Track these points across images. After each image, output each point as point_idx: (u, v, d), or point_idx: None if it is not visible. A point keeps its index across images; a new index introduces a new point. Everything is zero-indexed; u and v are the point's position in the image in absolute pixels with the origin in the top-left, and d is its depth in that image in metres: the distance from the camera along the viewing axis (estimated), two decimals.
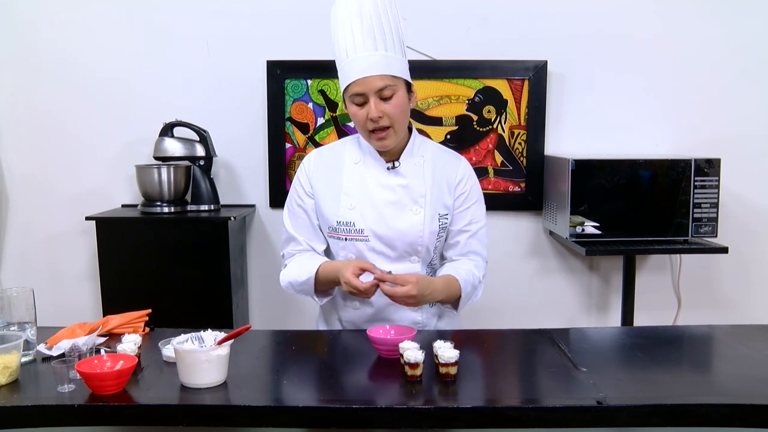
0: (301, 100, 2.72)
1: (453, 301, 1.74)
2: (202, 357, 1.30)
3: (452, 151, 1.85)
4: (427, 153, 1.77)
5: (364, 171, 1.74)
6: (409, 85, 1.68)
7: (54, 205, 2.80)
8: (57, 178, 2.79)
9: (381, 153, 1.73)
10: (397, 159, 1.73)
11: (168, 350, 1.45)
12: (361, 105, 1.63)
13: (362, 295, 1.60)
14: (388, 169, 1.72)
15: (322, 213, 1.75)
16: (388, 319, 1.74)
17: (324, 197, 1.75)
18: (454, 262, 1.79)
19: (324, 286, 1.73)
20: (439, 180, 1.75)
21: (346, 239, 1.72)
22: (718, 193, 2.43)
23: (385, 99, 1.62)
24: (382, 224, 1.70)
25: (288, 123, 2.73)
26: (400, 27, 1.67)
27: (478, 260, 1.80)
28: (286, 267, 1.80)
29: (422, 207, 1.71)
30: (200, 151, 2.62)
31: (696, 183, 2.42)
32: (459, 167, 1.79)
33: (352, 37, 1.62)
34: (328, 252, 1.82)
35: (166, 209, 2.58)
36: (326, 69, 2.70)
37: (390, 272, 1.61)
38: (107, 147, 2.76)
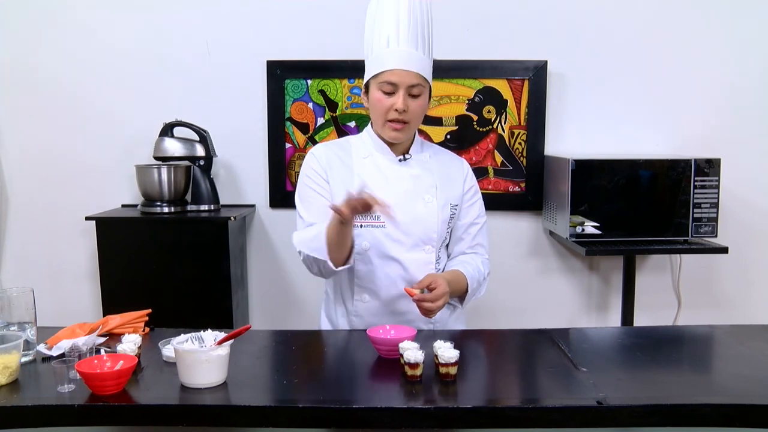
0: (301, 100, 2.72)
1: (459, 296, 1.77)
2: (202, 357, 1.30)
3: (449, 150, 1.93)
4: (430, 150, 1.86)
5: (375, 164, 1.78)
6: (430, 91, 1.76)
7: (54, 205, 2.80)
8: (57, 178, 2.79)
9: (391, 147, 1.77)
10: (407, 152, 1.79)
11: (168, 350, 1.45)
12: (388, 94, 1.68)
13: (355, 204, 1.53)
14: (400, 160, 1.77)
15: (336, 202, 1.75)
16: (398, 312, 1.75)
17: (337, 187, 1.76)
18: (462, 258, 1.83)
19: (335, 238, 1.62)
20: (445, 174, 1.81)
21: (361, 226, 1.72)
22: (718, 193, 2.43)
23: (412, 96, 1.68)
24: (398, 211, 1.70)
25: (288, 123, 2.73)
26: (433, 36, 1.75)
27: (485, 255, 1.86)
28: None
29: (434, 196, 1.76)
30: (200, 151, 2.62)
31: (696, 183, 2.42)
32: (463, 164, 1.88)
33: (397, 28, 1.67)
34: None
35: (166, 209, 2.58)
36: (326, 69, 2.70)
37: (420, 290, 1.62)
38: (107, 147, 2.76)
